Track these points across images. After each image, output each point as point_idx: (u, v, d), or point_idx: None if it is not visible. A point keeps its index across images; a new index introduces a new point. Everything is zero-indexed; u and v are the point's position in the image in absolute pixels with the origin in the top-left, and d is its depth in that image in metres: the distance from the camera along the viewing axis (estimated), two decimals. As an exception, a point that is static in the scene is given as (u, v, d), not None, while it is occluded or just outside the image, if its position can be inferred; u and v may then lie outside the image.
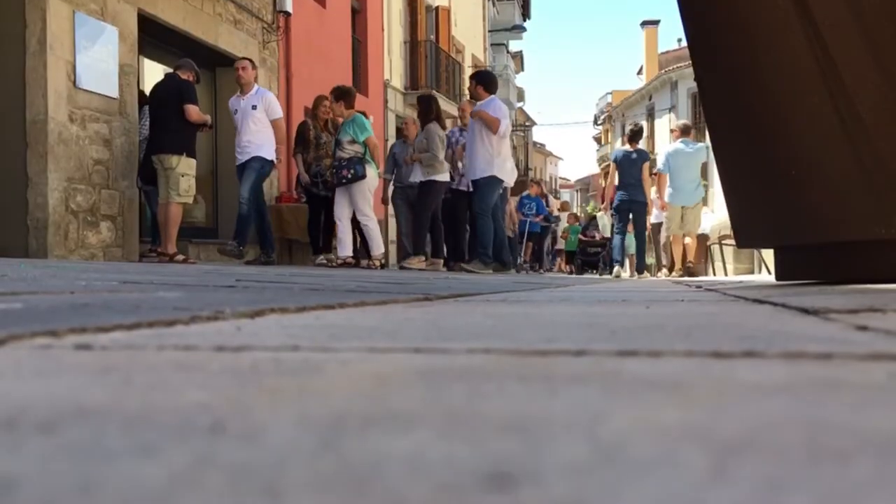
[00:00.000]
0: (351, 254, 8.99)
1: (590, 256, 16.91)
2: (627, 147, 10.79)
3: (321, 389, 0.70)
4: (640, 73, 46.87)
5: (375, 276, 5.13)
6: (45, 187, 7.35)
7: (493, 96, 8.91)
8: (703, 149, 10.61)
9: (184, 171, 7.88)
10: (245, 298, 2.05)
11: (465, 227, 10.12)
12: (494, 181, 8.78)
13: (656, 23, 45.01)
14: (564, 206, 28.68)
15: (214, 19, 10.27)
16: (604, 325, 1.43)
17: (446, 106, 19.95)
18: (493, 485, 0.40)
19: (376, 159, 8.87)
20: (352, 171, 8.73)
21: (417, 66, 19.55)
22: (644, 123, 43.14)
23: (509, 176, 9.11)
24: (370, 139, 8.80)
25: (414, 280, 4.61)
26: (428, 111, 9.52)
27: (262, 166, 8.37)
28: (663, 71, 40.15)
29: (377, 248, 8.93)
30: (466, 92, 20.32)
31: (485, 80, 9.01)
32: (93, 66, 7.93)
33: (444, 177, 9.50)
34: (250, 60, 8.78)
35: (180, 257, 7.93)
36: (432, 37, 21.29)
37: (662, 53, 44.57)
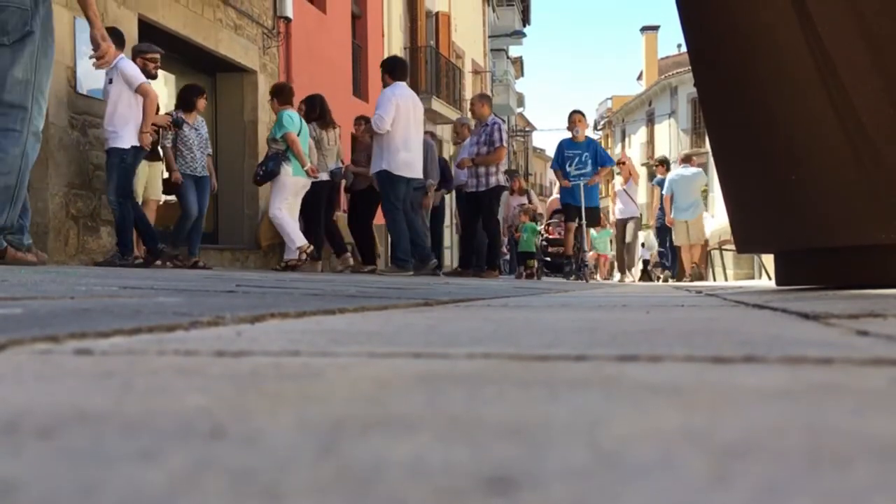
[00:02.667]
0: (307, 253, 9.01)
1: (556, 258, 13.50)
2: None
3: (321, 394, 0.70)
4: (639, 78, 46.96)
5: (376, 282, 5.13)
6: (45, 192, 7.35)
7: (395, 83, 8.67)
8: (701, 172, 12.73)
9: None
10: (245, 303, 2.05)
11: (475, 230, 10.07)
12: (385, 175, 8.47)
13: (656, 28, 45.13)
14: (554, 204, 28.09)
15: (215, 25, 10.28)
16: (604, 330, 1.43)
17: (446, 111, 20.01)
18: (494, 489, 0.40)
19: (296, 155, 8.67)
20: (263, 168, 8.78)
21: (417, 72, 19.56)
22: (644, 129, 43.25)
23: (405, 168, 8.55)
24: (287, 135, 8.65)
25: (414, 285, 4.61)
26: (310, 111, 9.48)
27: (121, 161, 7.24)
28: (663, 76, 40.22)
29: (289, 247, 8.78)
30: (467, 98, 20.34)
31: (388, 68, 8.87)
32: (93, 72, 7.92)
33: (322, 176, 9.39)
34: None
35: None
36: (432, 42, 21.33)
37: (662, 59, 44.65)
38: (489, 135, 9.77)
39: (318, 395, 0.69)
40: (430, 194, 10.45)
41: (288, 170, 8.69)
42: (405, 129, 8.50)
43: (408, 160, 8.55)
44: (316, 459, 0.46)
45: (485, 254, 10.15)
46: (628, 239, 12.99)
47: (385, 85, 8.75)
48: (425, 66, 19.87)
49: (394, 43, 18.35)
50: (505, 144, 9.79)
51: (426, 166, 10.16)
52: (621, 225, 13.04)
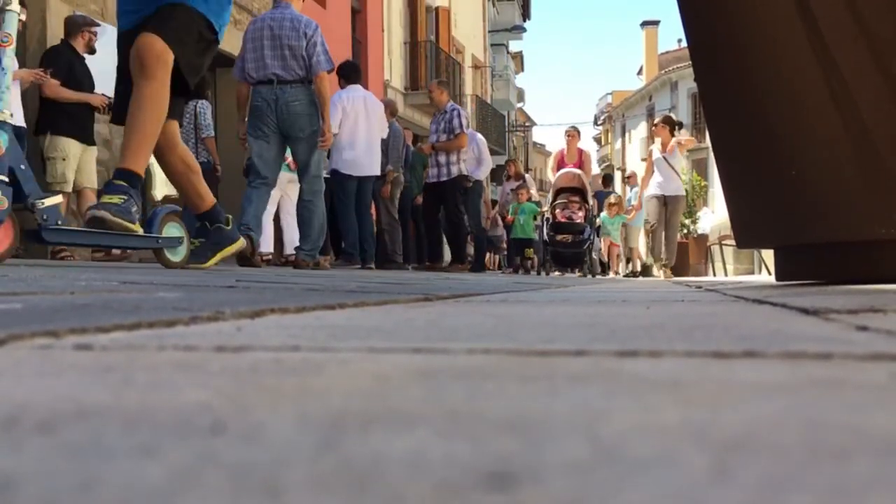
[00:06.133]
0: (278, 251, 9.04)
1: (568, 248, 10.66)
2: None
3: (321, 389, 0.70)
4: (640, 73, 46.92)
5: (376, 277, 5.14)
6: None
7: (348, 86, 8.80)
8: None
9: (49, 154, 7.33)
10: (245, 299, 2.05)
11: (437, 221, 9.99)
12: (333, 174, 8.78)
13: (656, 23, 45.11)
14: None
15: (214, 20, 10.25)
16: (604, 326, 1.43)
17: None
18: (494, 484, 0.40)
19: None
20: (246, 162, 8.75)
21: (417, 67, 19.56)
22: (644, 124, 43.20)
23: (350, 167, 8.75)
24: None
25: (414, 280, 4.61)
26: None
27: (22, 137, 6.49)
28: (663, 71, 40.20)
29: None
30: (467, 93, 20.29)
31: (343, 73, 8.99)
32: (93, 67, 7.94)
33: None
34: None
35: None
36: (432, 37, 21.30)
37: (662, 54, 44.63)
38: (448, 122, 9.68)
39: (317, 390, 0.69)
40: (388, 180, 10.07)
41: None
42: (351, 129, 8.68)
43: (352, 159, 8.75)
44: (316, 454, 0.46)
45: (467, 247, 10.18)
46: (660, 221, 10.19)
47: (341, 87, 8.94)
48: (425, 61, 19.85)
49: (393, 38, 18.33)
50: (465, 130, 9.62)
51: (388, 152, 9.95)
52: (659, 204, 10.19)
